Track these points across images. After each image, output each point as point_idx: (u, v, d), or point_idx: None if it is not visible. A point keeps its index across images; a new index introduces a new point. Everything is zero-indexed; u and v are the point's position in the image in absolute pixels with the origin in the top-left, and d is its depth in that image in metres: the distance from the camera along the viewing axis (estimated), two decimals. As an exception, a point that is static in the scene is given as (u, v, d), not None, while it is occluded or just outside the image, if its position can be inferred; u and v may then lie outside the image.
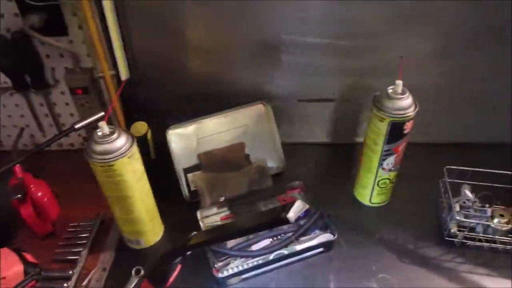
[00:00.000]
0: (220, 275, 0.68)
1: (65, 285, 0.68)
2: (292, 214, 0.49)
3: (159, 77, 0.84)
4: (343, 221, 0.76)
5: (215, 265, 0.69)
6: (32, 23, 0.68)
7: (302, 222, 0.75)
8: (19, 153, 0.78)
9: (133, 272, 0.61)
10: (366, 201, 0.83)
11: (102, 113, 0.66)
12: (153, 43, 0.79)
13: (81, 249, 0.73)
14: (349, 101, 0.88)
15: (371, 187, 0.80)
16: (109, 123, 0.62)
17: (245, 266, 0.69)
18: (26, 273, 0.67)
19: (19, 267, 0.67)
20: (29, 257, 0.70)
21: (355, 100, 0.88)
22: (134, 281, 0.60)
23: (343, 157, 0.94)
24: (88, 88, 0.79)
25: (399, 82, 0.68)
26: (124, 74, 0.73)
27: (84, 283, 0.69)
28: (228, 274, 0.68)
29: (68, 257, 0.72)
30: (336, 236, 0.72)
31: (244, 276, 0.70)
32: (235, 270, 0.68)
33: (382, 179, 0.77)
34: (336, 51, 0.81)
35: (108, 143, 0.61)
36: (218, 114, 0.84)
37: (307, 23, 0.77)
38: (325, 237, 0.72)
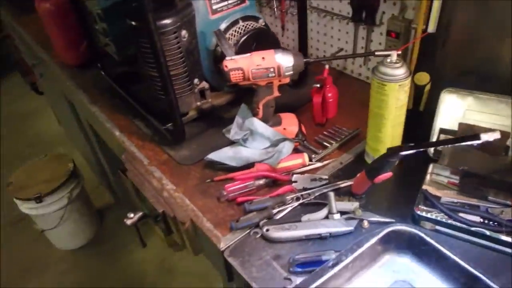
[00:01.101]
0: (419, 212, 0.78)
1: (313, 155, 0.94)
2: (485, 136, 0.54)
3: (460, 43, 0.91)
4: None
5: (419, 205, 0.79)
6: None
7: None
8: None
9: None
10: None
11: (398, 52, 0.83)
12: (468, 11, 0.87)
13: (333, 143, 0.98)
14: None
15: None
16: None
17: (443, 220, 0.76)
18: (296, 135, 0.98)
19: (295, 128, 0.98)
20: (303, 128, 1.00)
21: None
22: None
23: None
24: (400, 34, 0.97)
25: None
26: (431, 28, 0.87)
27: (325, 162, 0.94)
28: (425, 216, 0.77)
29: (323, 143, 0.98)
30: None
31: (437, 227, 0.77)
32: (433, 217, 0.77)
33: None
34: None
35: (391, 68, 0.79)
36: (501, 96, 0.86)
37: None
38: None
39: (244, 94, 1.03)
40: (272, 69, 0.88)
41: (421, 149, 0.70)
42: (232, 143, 0.98)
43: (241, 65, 0.88)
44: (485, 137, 0.57)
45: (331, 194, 0.81)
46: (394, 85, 0.79)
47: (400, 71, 0.79)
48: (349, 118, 1.05)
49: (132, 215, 0.96)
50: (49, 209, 1.85)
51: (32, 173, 1.92)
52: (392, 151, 0.70)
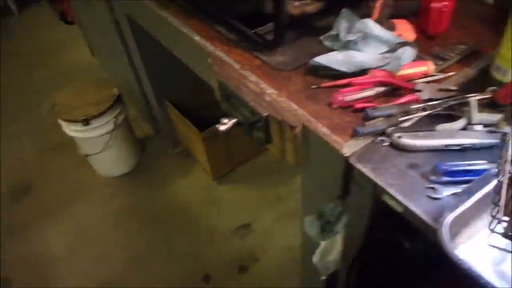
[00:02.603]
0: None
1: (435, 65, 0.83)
2: None
3: None
4: None
5: None
6: None
7: None
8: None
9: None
10: None
11: None
12: None
13: (453, 55, 0.86)
14: None
15: None
16: None
17: None
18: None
19: (411, 35, 0.86)
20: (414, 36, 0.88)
21: None
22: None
23: None
24: None
25: None
26: None
27: (449, 73, 0.83)
28: None
29: (440, 55, 0.87)
30: None
31: None
32: None
33: None
34: None
35: None
36: None
37: None
38: None
39: (335, 4, 0.92)
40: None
41: None
42: (330, 51, 0.87)
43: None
44: None
45: (473, 101, 0.71)
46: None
47: None
48: (465, 34, 0.93)
49: (226, 120, 0.87)
50: (96, 132, 1.78)
51: (76, 96, 1.83)
52: None
